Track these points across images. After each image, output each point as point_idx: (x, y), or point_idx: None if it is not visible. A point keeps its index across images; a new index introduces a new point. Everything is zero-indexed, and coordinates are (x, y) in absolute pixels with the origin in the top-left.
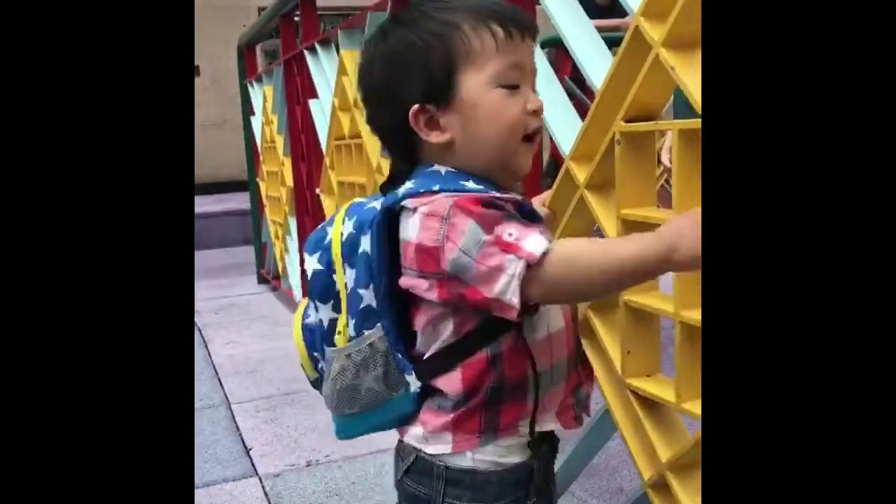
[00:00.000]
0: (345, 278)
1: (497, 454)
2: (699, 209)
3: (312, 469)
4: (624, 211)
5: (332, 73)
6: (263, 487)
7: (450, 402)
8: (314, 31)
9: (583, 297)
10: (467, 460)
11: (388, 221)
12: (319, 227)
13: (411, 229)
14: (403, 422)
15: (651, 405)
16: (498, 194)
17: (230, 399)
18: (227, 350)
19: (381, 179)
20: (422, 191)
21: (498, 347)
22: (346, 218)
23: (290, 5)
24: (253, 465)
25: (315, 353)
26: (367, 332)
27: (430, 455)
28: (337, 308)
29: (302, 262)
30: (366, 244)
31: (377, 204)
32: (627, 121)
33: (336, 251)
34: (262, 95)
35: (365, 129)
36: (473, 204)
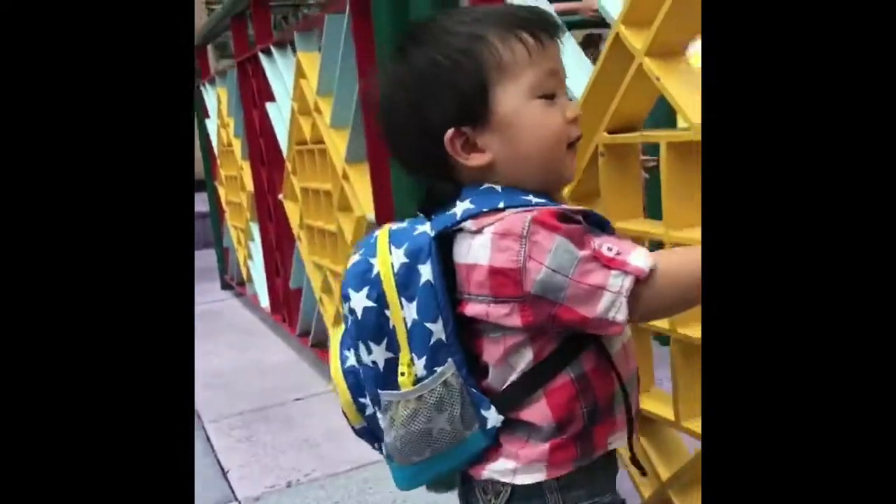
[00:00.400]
0: (402, 313)
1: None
2: None
3: (294, 489)
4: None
5: (290, 75)
6: None
7: (542, 432)
8: (267, 31)
9: (680, 312)
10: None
11: (444, 246)
12: (357, 259)
13: (479, 252)
14: (475, 460)
15: (647, 422)
16: (569, 207)
17: (203, 417)
18: (196, 364)
19: (349, 187)
20: (485, 210)
21: (580, 368)
22: (394, 246)
23: (241, 6)
24: (231, 488)
25: (362, 399)
26: (438, 370)
27: (527, 484)
28: (392, 347)
29: (346, 297)
30: (428, 274)
31: (426, 228)
32: (610, 132)
33: (388, 284)
34: (217, 97)
35: (328, 133)
36: (554, 219)
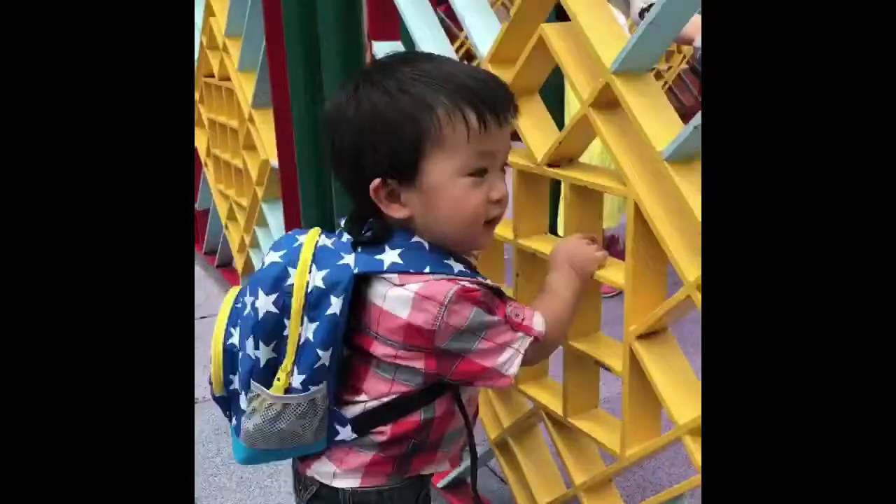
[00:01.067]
0: (300, 330)
1: (399, 481)
2: (571, 236)
3: (199, 406)
4: (520, 241)
5: (200, 11)
6: None
7: (371, 447)
8: None
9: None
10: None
11: (360, 282)
12: (276, 261)
13: (398, 305)
14: (307, 456)
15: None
16: (482, 280)
17: None
18: None
19: (254, 130)
20: (405, 270)
21: (432, 411)
22: (315, 267)
23: None
24: None
25: (231, 376)
26: (312, 389)
27: (337, 487)
28: (278, 351)
29: (253, 293)
30: (337, 307)
31: (350, 260)
32: None
33: (298, 300)
34: None
35: (235, 76)
36: (475, 293)
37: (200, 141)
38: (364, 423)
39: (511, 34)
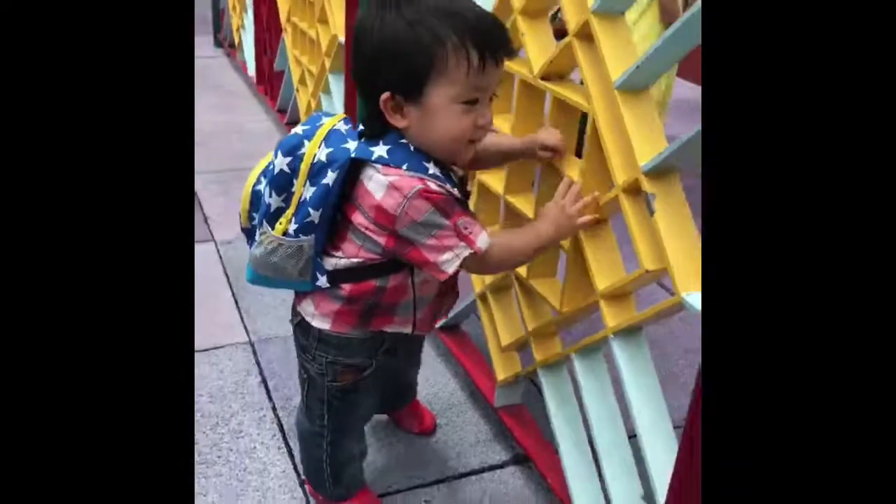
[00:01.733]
0: (303, 190)
1: (361, 333)
2: (560, 200)
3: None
4: (507, 197)
5: None
6: (218, 251)
7: (339, 298)
8: None
9: (496, 273)
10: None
11: (355, 170)
12: (298, 132)
13: (376, 188)
14: (299, 293)
15: None
16: (446, 188)
17: None
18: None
19: (327, 5)
20: (390, 163)
21: (386, 281)
22: (324, 144)
23: None
24: (210, 231)
25: (254, 214)
26: (302, 237)
27: (311, 325)
28: (285, 202)
29: (275, 154)
30: (329, 179)
31: (351, 146)
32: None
33: (305, 167)
34: None
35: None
36: (435, 195)
37: (283, 7)
38: (335, 276)
39: None
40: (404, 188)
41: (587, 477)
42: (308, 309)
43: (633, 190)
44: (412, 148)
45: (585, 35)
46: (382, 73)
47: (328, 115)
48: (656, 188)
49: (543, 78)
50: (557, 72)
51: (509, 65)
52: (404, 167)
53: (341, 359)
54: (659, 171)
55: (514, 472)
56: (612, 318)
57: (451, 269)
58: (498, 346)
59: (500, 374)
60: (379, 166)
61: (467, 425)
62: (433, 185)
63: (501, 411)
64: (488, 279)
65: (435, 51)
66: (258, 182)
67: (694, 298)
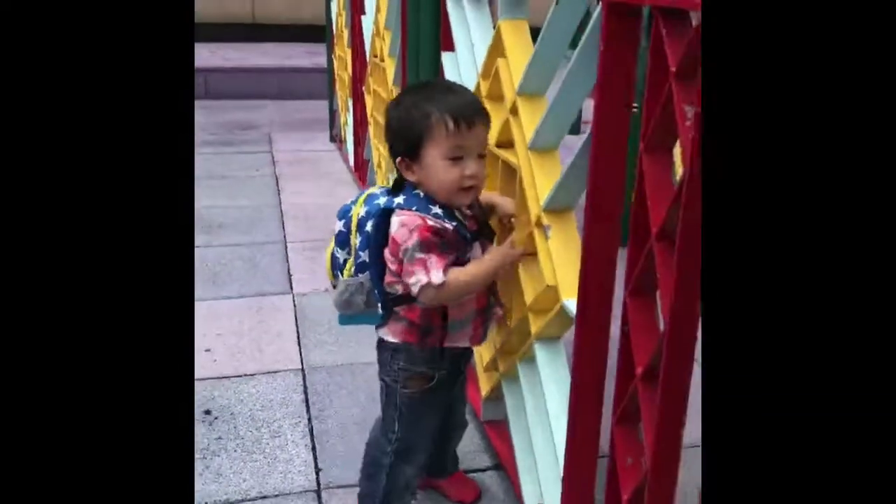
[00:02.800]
0: (355, 240)
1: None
2: (505, 245)
3: (329, 293)
4: None
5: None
6: (294, 300)
7: (401, 321)
8: None
9: (449, 302)
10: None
11: (386, 217)
12: (345, 204)
13: (393, 226)
14: (377, 325)
15: None
16: (444, 224)
17: (287, 239)
18: (293, 199)
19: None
20: (404, 207)
21: (431, 314)
22: (365, 205)
23: None
24: (291, 285)
25: (335, 273)
26: (360, 276)
27: (387, 340)
28: (349, 254)
29: (338, 218)
30: (369, 227)
31: (382, 200)
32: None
33: (354, 223)
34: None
35: (387, 58)
36: (427, 232)
37: (368, 105)
38: (388, 305)
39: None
40: (409, 224)
41: (530, 471)
42: (383, 332)
43: (539, 223)
44: (422, 195)
45: (516, 111)
46: (395, 145)
47: (368, 188)
48: (553, 220)
49: (498, 145)
50: (507, 140)
51: None
52: (413, 209)
53: (409, 366)
54: (554, 207)
55: (492, 476)
56: (535, 326)
57: (415, 290)
58: (482, 365)
59: (484, 389)
60: (398, 211)
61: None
62: (430, 223)
63: (486, 424)
64: None
65: (424, 123)
66: (335, 250)
67: (570, 303)
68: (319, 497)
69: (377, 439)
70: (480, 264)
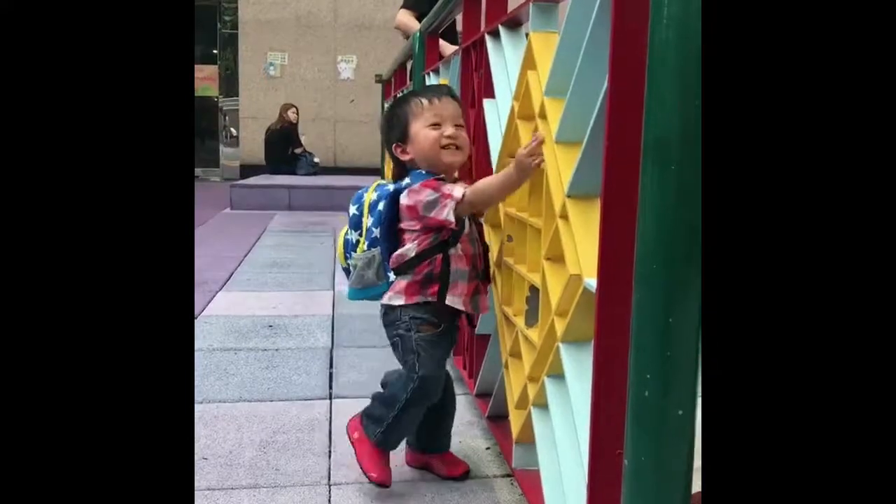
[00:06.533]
0: (367, 220)
1: (426, 298)
2: (521, 150)
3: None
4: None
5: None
6: (330, 408)
7: (405, 281)
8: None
9: (489, 206)
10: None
11: (396, 197)
12: (359, 191)
13: (406, 198)
14: (381, 296)
15: None
16: (438, 178)
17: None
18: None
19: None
20: (412, 183)
21: (432, 262)
22: (375, 191)
23: None
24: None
25: (347, 254)
26: (372, 250)
27: (393, 304)
28: (360, 235)
29: (351, 203)
30: (381, 207)
31: (391, 187)
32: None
33: (366, 206)
34: None
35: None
36: (432, 181)
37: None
38: (398, 270)
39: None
40: (416, 188)
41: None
42: (389, 297)
43: (563, 214)
44: (423, 172)
45: (542, 114)
46: (390, 136)
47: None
48: (577, 206)
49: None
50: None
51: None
52: (419, 183)
53: (419, 315)
54: (577, 194)
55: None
56: (560, 326)
57: (451, 217)
58: (513, 403)
59: (515, 430)
60: (407, 189)
61: (476, 439)
62: (432, 180)
63: (518, 474)
64: (507, 347)
65: (407, 109)
66: (347, 234)
67: (591, 282)
68: None
69: (397, 380)
70: (499, 174)
